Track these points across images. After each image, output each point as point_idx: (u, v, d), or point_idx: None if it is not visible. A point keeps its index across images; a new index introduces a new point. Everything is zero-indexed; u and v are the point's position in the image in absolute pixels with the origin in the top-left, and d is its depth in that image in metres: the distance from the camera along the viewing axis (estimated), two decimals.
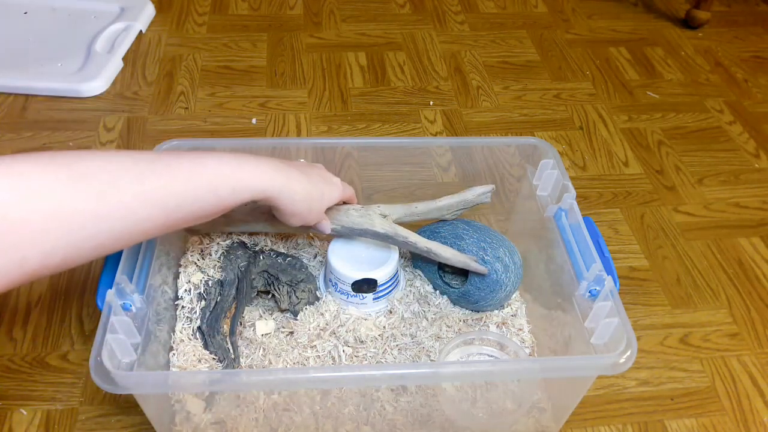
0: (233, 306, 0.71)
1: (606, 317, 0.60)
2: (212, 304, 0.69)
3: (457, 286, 0.76)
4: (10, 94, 1.10)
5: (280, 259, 0.74)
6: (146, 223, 0.48)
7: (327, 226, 0.69)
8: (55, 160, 0.44)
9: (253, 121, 1.08)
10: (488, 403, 0.68)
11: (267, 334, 0.72)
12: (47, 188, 0.42)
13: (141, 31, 1.26)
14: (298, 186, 0.58)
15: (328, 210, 0.69)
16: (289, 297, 0.72)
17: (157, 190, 0.48)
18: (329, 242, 0.74)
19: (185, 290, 0.70)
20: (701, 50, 1.33)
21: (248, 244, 0.75)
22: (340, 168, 0.86)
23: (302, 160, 0.71)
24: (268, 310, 0.75)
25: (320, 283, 0.76)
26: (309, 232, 0.79)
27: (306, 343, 0.70)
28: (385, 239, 0.71)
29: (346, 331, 0.71)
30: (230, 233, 0.75)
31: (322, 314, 0.72)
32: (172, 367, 0.66)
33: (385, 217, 0.72)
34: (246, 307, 0.74)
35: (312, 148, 0.79)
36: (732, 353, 0.79)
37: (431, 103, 1.15)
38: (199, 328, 0.68)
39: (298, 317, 0.72)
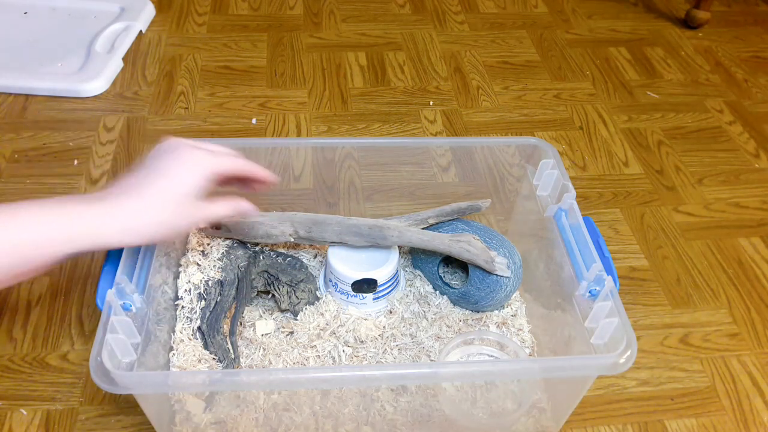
0: (233, 306, 0.71)
1: (606, 317, 0.60)
2: (212, 304, 0.69)
3: (457, 287, 0.76)
4: (10, 94, 1.10)
5: (280, 259, 0.74)
6: None
7: (224, 210, 0.58)
8: None
9: (253, 121, 1.08)
10: (488, 403, 0.68)
11: (267, 334, 0.72)
12: None
13: (141, 31, 1.26)
14: (133, 222, 0.52)
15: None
16: (289, 297, 0.72)
17: None
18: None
19: (185, 290, 0.70)
20: (701, 50, 1.33)
21: (248, 244, 0.75)
22: (340, 168, 0.86)
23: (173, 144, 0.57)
24: (268, 310, 0.75)
25: (320, 283, 0.76)
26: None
27: (306, 343, 0.70)
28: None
29: (346, 331, 0.71)
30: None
31: (322, 314, 0.72)
32: (172, 367, 0.66)
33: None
34: (246, 307, 0.74)
35: (312, 148, 0.79)
36: (732, 353, 0.79)
37: (431, 103, 1.15)
38: (199, 328, 0.68)
39: (298, 317, 0.72)
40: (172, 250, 0.71)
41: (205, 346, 0.67)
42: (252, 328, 0.72)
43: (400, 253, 0.76)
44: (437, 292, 0.77)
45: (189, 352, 0.66)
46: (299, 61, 1.23)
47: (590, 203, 0.98)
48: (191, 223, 0.55)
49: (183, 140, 0.56)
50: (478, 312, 0.76)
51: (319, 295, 0.75)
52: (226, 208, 0.58)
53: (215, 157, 0.57)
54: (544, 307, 0.74)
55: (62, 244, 0.50)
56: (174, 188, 0.53)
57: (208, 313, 0.68)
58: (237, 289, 0.71)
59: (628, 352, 0.55)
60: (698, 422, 0.72)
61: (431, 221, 0.75)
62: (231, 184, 0.62)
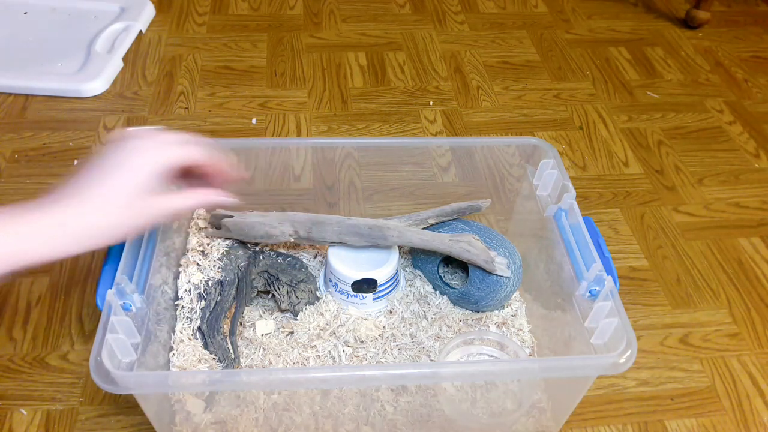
0: (233, 306, 0.71)
1: (606, 317, 0.60)
2: (212, 304, 0.69)
3: (457, 287, 0.76)
4: (10, 94, 1.10)
5: (280, 259, 0.74)
6: None
7: (188, 202, 0.54)
8: None
9: (253, 121, 1.08)
10: (488, 403, 0.68)
11: (267, 334, 0.72)
12: None
13: (141, 31, 1.26)
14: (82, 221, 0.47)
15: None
16: (289, 297, 0.72)
17: None
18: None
19: (185, 290, 0.70)
20: (701, 50, 1.33)
21: (248, 244, 0.75)
22: (340, 168, 0.86)
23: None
24: (268, 310, 0.75)
25: (320, 283, 0.76)
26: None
27: (306, 343, 0.70)
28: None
29: (346, 331, 0.71)
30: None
31: (322, 314, 0.72)
32: (172, 367, 0.66)
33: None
34: (246, 307, 0.74)
35: (312, 148, 0.79)
36: (732, 353, 0.79)
37: (431, 103, 1.15)
38: (199, 328, 0.68)
39: (298, 317, 0.72)
40: (172, 250, 0.71)
41: (205, 346, 0.67)
42: (252, 328, 0.72)
43: (400, 253, 0.76)
44: (437, 292, 0.77)
45: (189, 352, 0.66)
46: (299, 61, 1.23)
47: (590, 203, 0.98)
48: (149, 221, 0.51)
49: (133, 131, 0.52)
50: (478, 312, 0.76)
51: (319, 295, 0.75)
52: (190, 199, 0.54)
53: (165, 149, 0.51)
54: (544, 307, 0.74)
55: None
56: (119, 188, 0.49)
57: (208, 313, 0.68)
58: (237, 289, 0.71)
59: (628, 352, 0.55)
60: (698, 422, 0.72)
61: (431, 221, 0.75)
62: (192, 177, 0.56)
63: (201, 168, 0.55)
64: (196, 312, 0.69)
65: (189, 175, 0.56)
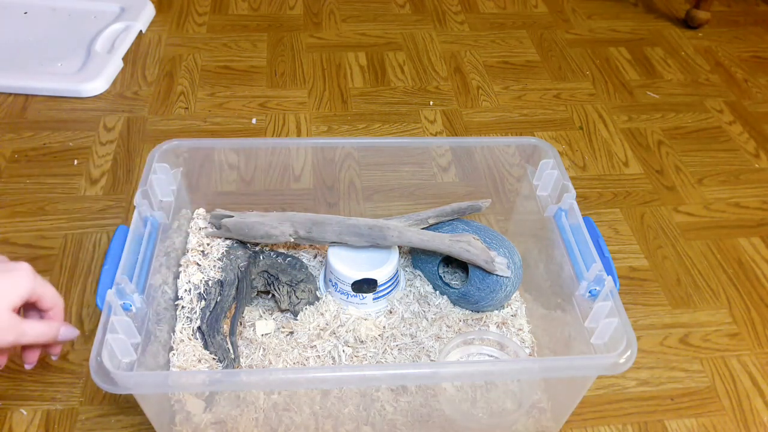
0: (233, 306, 0.71)
1: (606, 317, 0.60)
2: (212, 304, 0.69)
3: (457, 287, 0.76)
4: (10, 94, 1.10)
5: (280, 259, 0.74)
6: None
7: (43, 332, 0.54)
8: None
9: (253, 121, 1.08)
10: (488, 403, 0.68)
11: (267, 334, 0.72)
12: None
13: (141, 31, 1.26)
14: None
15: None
16: (289, 297, 0.72)
17: None
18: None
19: (185, 290, 0.70)
20: (701, 50, 1.33)
21: (248, 244, 0.75)
22: (340, 168, 0.87)
23: None
24: (268, 310, 0.75)
25: (320, 283, 0.76)
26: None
27: (306, 343, 0.70)
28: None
29: (346, 331, 0.71)
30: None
31: (322, 314, 0.72)
32: (172, 367, 0.66)
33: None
34: (246, 307, 0.74)
35: (312, 148, 0.79)
36: (732, 353, 0.79)
37: (431, 103, 1.15)
38: (199, 328, 0.68)
39: (298, 317, 0.72)
40: (172, 250, 0.71)
41: (205, 346, 0.67)
42: (252, 328, 0.72)
43: (400, 253, 0.76)
44: (437, 292, 0.77)
45: (189, 352, 0.66)
46: (299, 61, 1.23)
47: (590, 203, 0.98)
48: (12, 339, 0.51)
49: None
50: (478, 312, 0.76)
51: (319, 295, 0.75)
52: (45, 330, 0.54)
53: (36, 279, 0.53)
54: (544, 307, 0.74)
55: None
56: None
57: (208, 313, 0.68)
58: (237, 289, 0.71)
59: (628, 352, 0.55)
60: (698, 422, 0.72)
61: (431, 221, 0.75)
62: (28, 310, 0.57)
63: (42, 304, 0.55)
64: (196, 312, 0.69)
65: (28, 308, 0.56)
